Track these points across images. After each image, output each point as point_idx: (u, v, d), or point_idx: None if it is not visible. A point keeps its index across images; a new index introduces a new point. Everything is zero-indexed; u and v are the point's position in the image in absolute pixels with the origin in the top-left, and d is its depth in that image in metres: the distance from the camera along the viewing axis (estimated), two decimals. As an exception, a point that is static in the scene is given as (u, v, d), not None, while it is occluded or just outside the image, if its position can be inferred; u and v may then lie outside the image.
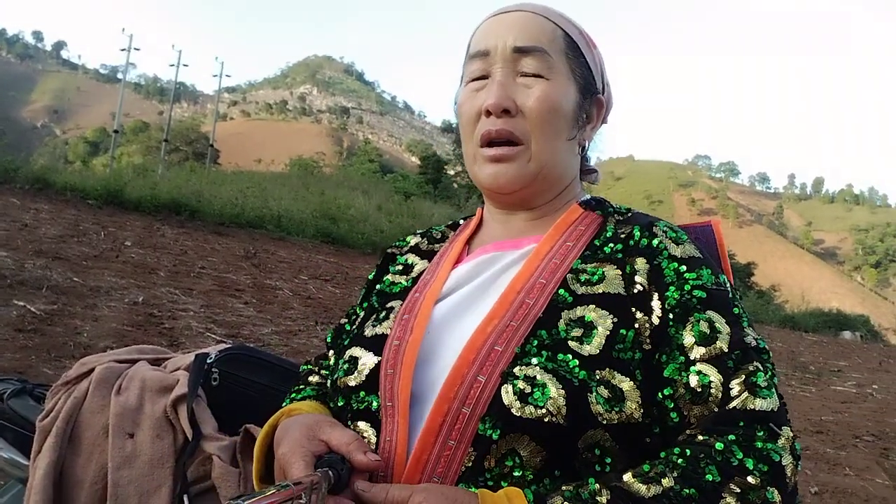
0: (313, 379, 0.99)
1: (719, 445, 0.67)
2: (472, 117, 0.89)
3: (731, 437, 0.67)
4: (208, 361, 1.39)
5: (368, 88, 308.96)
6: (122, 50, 33.25)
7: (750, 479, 0.65)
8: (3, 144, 20.32)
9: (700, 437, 0.69)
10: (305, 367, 1.05)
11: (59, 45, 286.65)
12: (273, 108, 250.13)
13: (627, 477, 0.66)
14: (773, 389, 0.72)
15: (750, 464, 0.65)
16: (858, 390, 8.26)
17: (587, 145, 0.97)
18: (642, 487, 0.64)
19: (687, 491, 0.64)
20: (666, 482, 0.64)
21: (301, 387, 0.97)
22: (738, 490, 0.64)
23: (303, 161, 64.83)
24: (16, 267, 6.33)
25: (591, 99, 0.93)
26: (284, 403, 0.93)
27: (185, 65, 36.66)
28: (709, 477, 0.65)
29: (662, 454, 0.70)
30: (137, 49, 33.43)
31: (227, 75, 43.68)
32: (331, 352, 1.01)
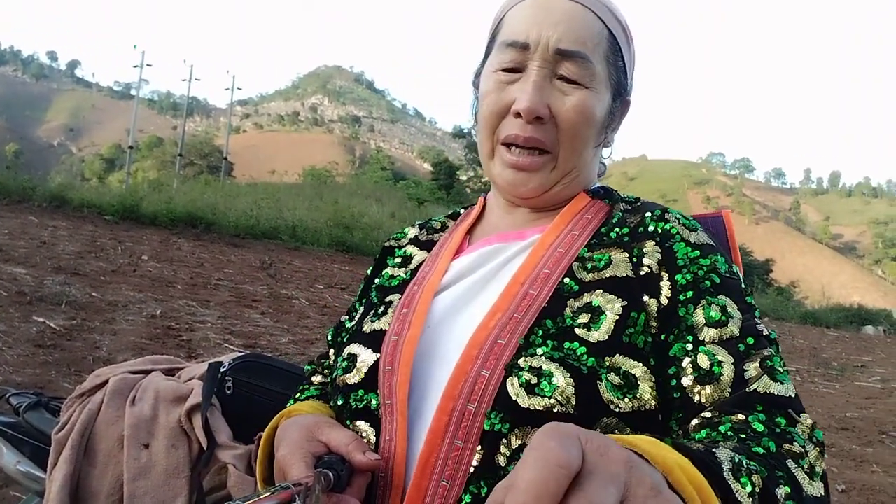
0: (316, 379, 0.98)
1: (757, 426, 0.63)
2: (496, 112, 0.83)
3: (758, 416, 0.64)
4: (222, 370, 1.39)
5: (379, 97, 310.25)
6: (135, 67, 33.70)
7: (796, 446, 0.62)
8: (21, 164, 20.62)
9: (725, 418, 0.65)
10: (309, 367, 1.03)
11: (74, 65, 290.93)
12: (285, 119, 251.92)
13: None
14: (788, 376, 0.69)
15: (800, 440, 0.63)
16: (883, 385, 8.14)
17: (611, 148, 0.93)
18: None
19: (756, 448, 0.60)
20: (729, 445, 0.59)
21: (305, 386, 0.97)
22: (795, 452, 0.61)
23: (316, 171, 65.07)
24: (35, 284, 6.40)
25: (619, 101, 0.88)
26: (289, 404, 0.92)
27: (197, 79, 37.09)
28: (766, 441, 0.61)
29: (697, 436, 0.65)
30: (150, 65, 33.81)
31: (239, 88, 44.03)
32: (331, 350, 0.99)
